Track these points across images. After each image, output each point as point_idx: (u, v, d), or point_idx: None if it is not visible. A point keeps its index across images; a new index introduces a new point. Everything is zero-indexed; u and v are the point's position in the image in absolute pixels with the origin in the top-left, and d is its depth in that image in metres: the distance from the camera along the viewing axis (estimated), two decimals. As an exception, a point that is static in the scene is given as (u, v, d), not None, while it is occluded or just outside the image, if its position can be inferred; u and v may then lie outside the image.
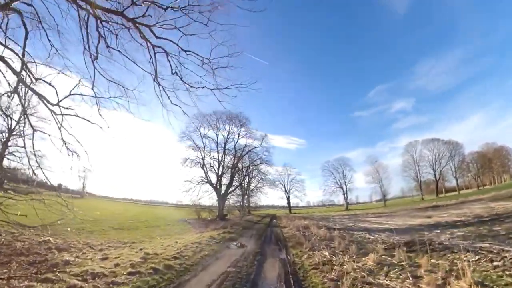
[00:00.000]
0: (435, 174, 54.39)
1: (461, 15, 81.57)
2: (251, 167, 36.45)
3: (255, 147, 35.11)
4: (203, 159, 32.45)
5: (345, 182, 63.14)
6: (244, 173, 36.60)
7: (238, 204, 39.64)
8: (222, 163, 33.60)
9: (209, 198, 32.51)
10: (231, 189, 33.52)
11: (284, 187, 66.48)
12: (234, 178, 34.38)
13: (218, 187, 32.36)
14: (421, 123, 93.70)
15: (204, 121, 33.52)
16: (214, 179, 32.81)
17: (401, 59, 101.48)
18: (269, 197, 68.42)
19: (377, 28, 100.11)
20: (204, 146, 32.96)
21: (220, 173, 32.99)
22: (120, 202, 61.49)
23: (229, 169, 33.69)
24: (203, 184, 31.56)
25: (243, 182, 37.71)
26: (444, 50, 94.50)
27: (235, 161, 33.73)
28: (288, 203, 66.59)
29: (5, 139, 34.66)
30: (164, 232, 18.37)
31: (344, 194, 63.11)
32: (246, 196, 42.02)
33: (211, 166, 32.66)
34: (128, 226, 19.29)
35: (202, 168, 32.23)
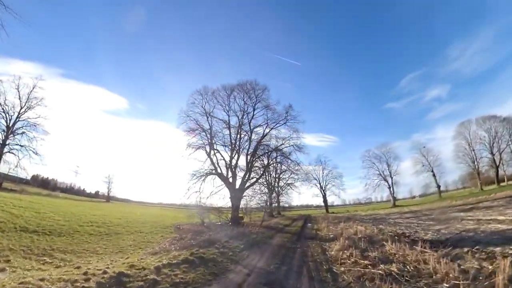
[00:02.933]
0: (494, 159, 42.50)
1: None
2: (276, 154, 26.81)
3: (277, 125, 25.68)
4: (209, 144, 24.53)
5: (390, 173, 50.90)
6: (266, 162, 27.02)
7: (266, 204, 30.33)
8: (237, 150, 25.15)
9: (223, 198, 24.17)
10: (248, 184, 24.54)
11: (319, 183, 55.11)
12: (253, 169, 25.37)
13: (231, 180, 23.92)
14: (459, 110, 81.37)
15: (210, 97, 25.75)
16: (226, 173, 24.55)
17: (431, 43, 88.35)
18: (301, 194, 56.72)
19: (403, 11, 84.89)
20: (211, 127, 25.05)
21: (234, 162, 24.59)
22: (148, 206, 58.73)
23: (245, 156, 25.03)
24: (207, 176, 23.47)
25: (265, 173, 28.02)
26: (476, 28, 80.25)
27: (251, 144, 24.86)
28: (325, 201, 55.42)
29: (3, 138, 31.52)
30: (106, 244, 10.76)
31: (389, 187, 50.76)
32: (275, 194, 32.23)
33: (216, 150, 24.43)
34: (66, 230, 12.24)
35: (209, 156, 24.29)
